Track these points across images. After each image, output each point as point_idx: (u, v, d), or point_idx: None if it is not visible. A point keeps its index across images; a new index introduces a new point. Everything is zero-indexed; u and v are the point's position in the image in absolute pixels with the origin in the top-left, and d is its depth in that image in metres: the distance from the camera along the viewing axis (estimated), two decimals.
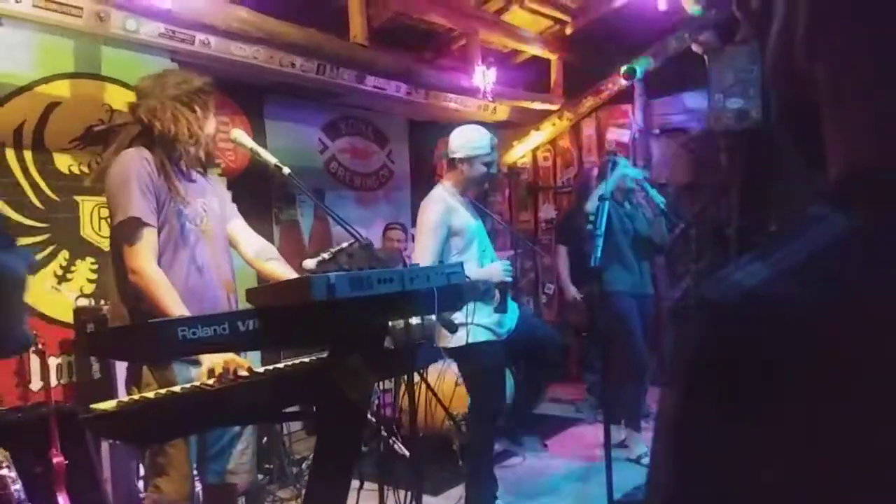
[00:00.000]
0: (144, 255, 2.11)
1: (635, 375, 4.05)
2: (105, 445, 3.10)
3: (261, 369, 1.98)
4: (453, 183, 3.31)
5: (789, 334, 0.43)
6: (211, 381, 1.86)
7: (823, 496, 0.41)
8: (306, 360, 2.03)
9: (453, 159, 3.29)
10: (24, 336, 0.96)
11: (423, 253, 3.09)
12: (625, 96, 5.87)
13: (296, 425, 4.05)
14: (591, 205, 3.87)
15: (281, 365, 1.99)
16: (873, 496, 0.40)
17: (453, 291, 2.03)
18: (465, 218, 3.23)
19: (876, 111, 0.46)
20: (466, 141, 3.28)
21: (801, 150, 0.54)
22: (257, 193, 4.44)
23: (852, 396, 0.41)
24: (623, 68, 5.20)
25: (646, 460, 3.67)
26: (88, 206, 3.57)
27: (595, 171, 4.71)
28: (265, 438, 3.69)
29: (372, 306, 1.76)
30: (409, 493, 2.27)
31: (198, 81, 2.32)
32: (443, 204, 3.20)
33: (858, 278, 0.43)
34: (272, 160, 2.28)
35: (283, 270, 2.39)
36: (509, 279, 3.20)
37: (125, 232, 2.14)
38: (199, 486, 2.55)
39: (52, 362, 3.29)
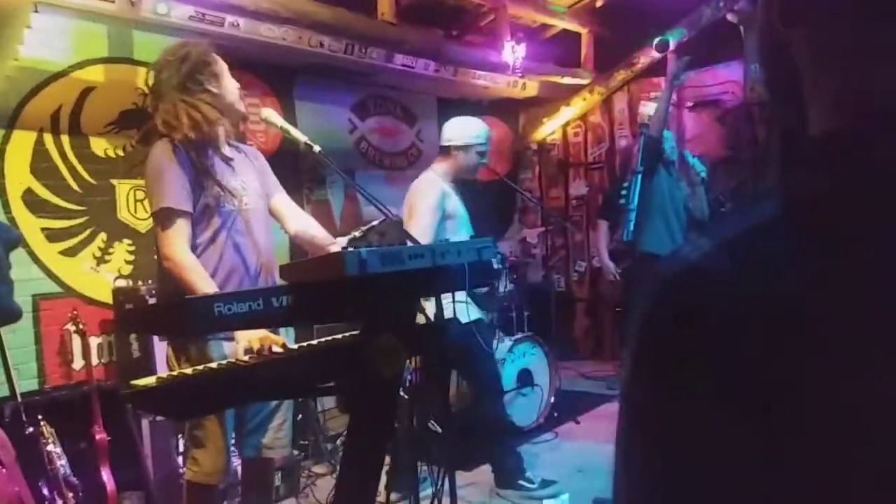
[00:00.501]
0: (175, 243, 2.17)
1: None
2: (146, 423, 3.18)
3: (295, 346, 2.01)
4: (445, 169, 3.37)
5: (724, 307, 0.43)
6: (247, 358, 1.89)
7: (760, 464, 0.41)
8: (339, 336, 2.05)
9: (448, 147, 3.35)
10: (9, 308, 0.98)
11: (423, 231, 3.08)
12: (657, 69, 5.75)
13: (330, 402, 4.10)
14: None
15: (315, 342, 2.01)
16: (809, 467, 0.40)
17: (483, 267, 2.03)
18: (456, 203, 3.30)
19: (851, 73, 0.46)
20: (464, 130, 3.35)
21: (794, 123, 0.53)
22: (288, 174, 4.45)
23: (774, 368, 0.41)
24: (655, 40, 5.09)
25: None
26: (124, 189, 3.64)
27: (636, 147, 4.63)
28: (300, 416, 3.75)
29: (403, 282, 1.77)
30: (441, 469, 2.29)
31: (195, 53, 2.28)
32: (438, 186, 3.26)
33: (787, 254, 0.43)
34: (302, 138, 2.29)
35: (326, 244, 2.41)
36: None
37: (159, 221, 2.22)
38: (238, 461, 2.61)
39: (93, 342, 3.38)
